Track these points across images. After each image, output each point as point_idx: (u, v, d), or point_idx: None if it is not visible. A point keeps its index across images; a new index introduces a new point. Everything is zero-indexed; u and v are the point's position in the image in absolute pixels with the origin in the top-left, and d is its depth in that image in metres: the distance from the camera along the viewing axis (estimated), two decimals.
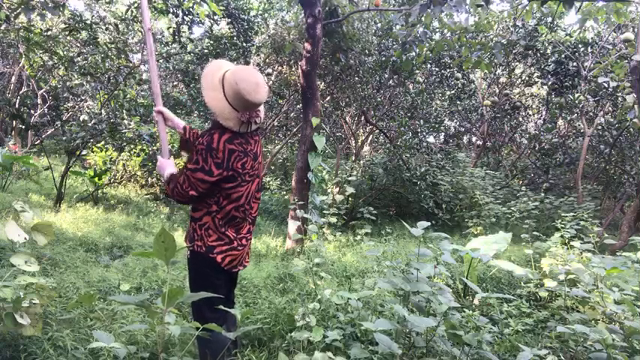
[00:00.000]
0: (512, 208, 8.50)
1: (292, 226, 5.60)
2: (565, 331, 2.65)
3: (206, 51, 9.43)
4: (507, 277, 4.89)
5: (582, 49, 9.65)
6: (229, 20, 8.90)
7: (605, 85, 8.03)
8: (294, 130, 11.83)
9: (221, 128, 2.26)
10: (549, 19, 9.60)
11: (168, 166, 2.44)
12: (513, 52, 10.62)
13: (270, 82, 10.32)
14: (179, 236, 5.08)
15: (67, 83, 8.08)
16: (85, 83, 8.39)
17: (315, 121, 5.63)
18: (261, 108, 2.37)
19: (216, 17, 8.57)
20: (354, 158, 11.09)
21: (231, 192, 2.31)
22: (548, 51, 10.11)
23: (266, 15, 9.84)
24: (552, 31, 9.87)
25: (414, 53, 6.34)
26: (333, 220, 6.50)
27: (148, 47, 2.58)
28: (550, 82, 10.49)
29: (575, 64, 9.81)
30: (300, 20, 7.50)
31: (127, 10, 8.20)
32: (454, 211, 9.52)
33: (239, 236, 2.39)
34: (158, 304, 1.72)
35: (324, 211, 6.75)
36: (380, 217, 9.08)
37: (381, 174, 9.69)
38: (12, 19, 5.79)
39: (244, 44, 9.03)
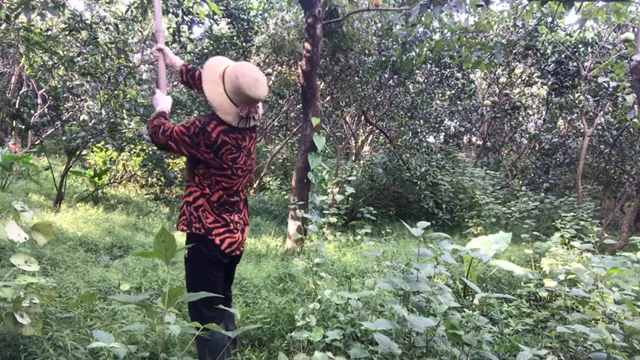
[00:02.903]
0: (512, 208, 8.50)
1: (292, 226, 5.60)
2: (565, 331, 2.65)
3: (206, 51, 9.43)
4: (507, 277, 4.89)
5: (582, 49, 9.65)
6: (229, 20, 8.91)
7: (605, 85, 8.03)
8: (294, 130, 11.84)
9: (219, 119, 2.28)
10: (549, 19, 9.60)
11: (164, 100, 2.48)
12: (513, 52, 10.63)
13: (270, 82, 10.32)
14: (179, 236, 5.08)
15: (67, 83, 8.08)
16: (85, 83, 8.39)
17: (315, 121, 5.63)
18: (260, 105, 2.39)
19: (216, 17, 8.58)
20: (354, 158, 11.09)
21: (222, 180, 2.33)
22: (548, 51, 10.11)
23: (266, 15, 9.84)
24: (552, 31, 9.87)
25: (414, 53, 6.34)
26: (333, 220, 6.49)
27: None
28: (550, 82, 10.49)
29: (575, 64, 9.80)
30: (300, 20, 7.50)
31: (127, 10, 8.21)
32: (454, 211, 9.52)
33: (234, 220, 2.42)
34: (158, 304, 1.72)
35: (324, 211, 6.75)
36: (380, 217, 9.08)
37: (381, 174, 9.68)
38: (12, 19, 5.79)
39: (244, 44, 9.03)
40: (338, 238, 6.48)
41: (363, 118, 9.75)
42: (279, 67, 9.78)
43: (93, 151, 8.10)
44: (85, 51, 7.15)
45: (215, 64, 2.36)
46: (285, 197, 10.43)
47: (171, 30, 8.29)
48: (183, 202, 2.40)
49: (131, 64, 7.67)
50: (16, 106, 9.65)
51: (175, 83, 13.42)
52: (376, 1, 6.31)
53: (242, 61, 2.37)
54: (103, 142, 7.29)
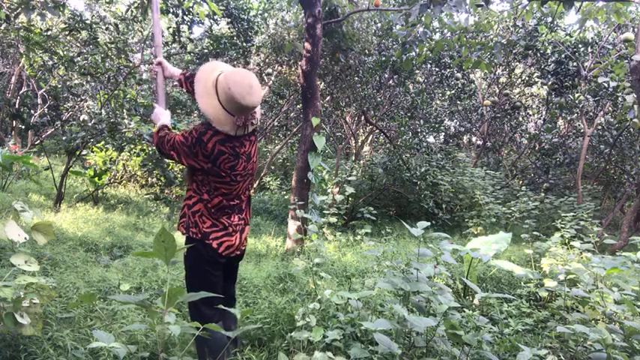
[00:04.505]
0: (512, 208, 8.50)
1: (292, 226, 5.59)
2: (565, 331, 2.65)
3: (206, 51, 9.43)
4: (507, 277, 4.89)
5: (582, 49, 9.64)
6: (229, 20, 8.90)
7: (605, 85, 8.03)
8: (294, 130, 11.84)
9: (215, 129, 2.25)
10: (549, 19, 9.60)
11: (164, 115, 2.49)
12: (513, 52, 10.62)
13: (270, 82, 10.31)
14: (179, 236, 5.08)
15: (67, 83, 8.08)
16: (85, 83, 8.39)
17: (315, 121, 5.63)
18: (257, 109, 2.35)
19: (216, 17, 8.57)
20: (354, 158, 11.09)
21: (221, 187, 2.33)
22: (548, 51, 10.11)
23: (266, 15, 9.84)
24: (552, 31, 9.86)
25: (414, 53, 6.34)
26: (333, 220, 6.49)
27: (153, 3, 2.71)
28: (550, 82, 10.49)
29: (575, 64, 9.80)
30: (300, 20, 7.50)
31: (127, 10, 8.21)
32: (454, 211, 9.52)
33: (233, 222, 2.42)
34: (158, 304, 1.72)
35: (324, 211, 6.74)
36: (380, 217, 9.07)
37: (381, 174, 9.68)
38: (12, 19, 5.79)
39: (244, 44, 9.03)
40: (338, 238, 6.47)
41: (363, 118, 9.75)
42: (279, 67, 9.78)
43: (93, 151, 8.09)
44: (85, 51, 7.14)
45: (207, 74, 2.30)
46: (285, 197, 10.43)
47: (171, 30, 8.29)
48: (184, 205, 2.41)
49: (131, 64, 7.67)
50: (16, 106, 9.65)
51: (175, 83, 13.43)
52: (376, 1, 6.30)
53: (234, 68, 2.31)
54: (103, 142, 7.29)
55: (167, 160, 7.17)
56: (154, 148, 2.49)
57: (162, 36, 12.42)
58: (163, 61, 2.62)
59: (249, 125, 2.31)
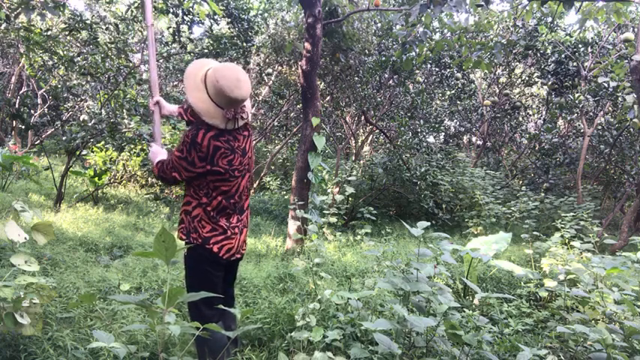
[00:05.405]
0: (512, 208, 8.50)
1: (292, 226, 5.59)
2: (565, 331, 2.65)
3: (206, 51, 9.42)
4: (507, 277, 4.89)
5: (582, 49, 9.64)
6: (229, 20, 8.90)
7: (605, 85, 8.03)
8: (294, 130, 11.84)
9: (207, 125, 2.28)
10: (549, 19, 9.60)
11: (160, 153, 2.52)
12: (513, 52, 10.62)
13: (270, 82, 10.31)
14: None
15: (67, 83, 8.07)
16: (85, 83, 8.38)
17: (315, 121, 5.63)
18: (247, 103, 2.39)
19: (216, 17, 8.57)
20: (354, 158, 11.09)
21: (220, 185, 2.34)
22: (548, 51, 10.11)
23: (266, 15, 9.83)
24: (552, 31, 9.86)
25: (414, 53, 6.34)
26: (333, 220, 6.49)
27: (149, 40, 2.71)
28: (550, 82, 10.48)
29: (575, 64, 9.80)
30: (300, 20, 7.50)
31: (127, 10, 8.21)
32: (454, 211, 9.52)
33: (231, 225, 2.42)
34: (158, 304, 1.72)
35: (324, 211, 6.74)
36: (380, 217, 9.07)
37: (381, 174, 9.68)
38: (12, 19, 5.79)
39: (244, 44, 9.02)
40: (338, 238, 6.47)
41: (363, 118, 9.75)
42: (279, 67, 9.78)
43: (93, 151, 8.09)
44: (85, 51, 7.14)
45: (196, 70, 2.35)
46: (285, 197, 10.43)
47: (171, 30, 8.28)
48: (182, 211, 2.41)
49: (131, 64, 7.67)
50: (16, 106, 9.65)
51: (176, 83, 13.43)
52: (376, 1, 6.30)
53: (223, 63, 2.36)
54: (103, 142, 7.29)
55: None
56: (159, 179, 2.51)
57: (162, 36, 12.42)
58: (161, 100, 2.62)
59: (239, 119, 2.34)
